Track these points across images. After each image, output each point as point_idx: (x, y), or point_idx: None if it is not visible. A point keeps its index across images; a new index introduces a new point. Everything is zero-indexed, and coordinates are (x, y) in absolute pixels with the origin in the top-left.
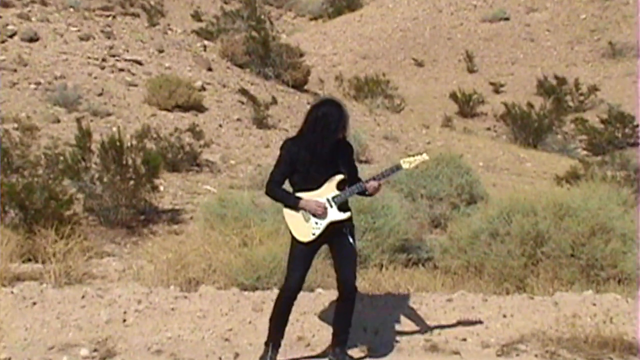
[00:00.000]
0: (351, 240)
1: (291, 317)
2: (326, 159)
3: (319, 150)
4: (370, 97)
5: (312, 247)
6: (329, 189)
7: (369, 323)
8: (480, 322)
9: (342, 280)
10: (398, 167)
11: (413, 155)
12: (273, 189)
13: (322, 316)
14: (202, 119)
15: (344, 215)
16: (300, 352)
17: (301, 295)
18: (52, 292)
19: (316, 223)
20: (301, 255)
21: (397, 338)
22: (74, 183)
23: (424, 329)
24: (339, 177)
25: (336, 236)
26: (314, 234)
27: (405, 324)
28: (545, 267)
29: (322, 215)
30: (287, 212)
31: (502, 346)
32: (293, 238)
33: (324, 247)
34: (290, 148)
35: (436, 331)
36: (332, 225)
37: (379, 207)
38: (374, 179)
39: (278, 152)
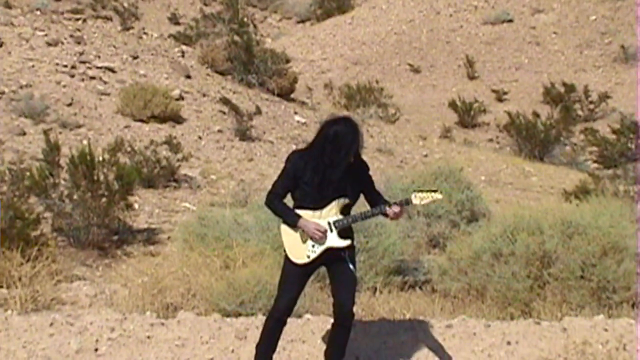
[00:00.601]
0: (351, 266)
1: (278, 345)
2: (334, 181)
3: (328, 175)
4: (362, 106)
5: (306, 269)
6: (331, 212)
7: (362, 351)
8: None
9: (338, 304)
10: (408, 202)
11: (427, 191)
12: (273, 202)
13: (311, 344)
14: (180, 130)
15: (343, 243)
16: None
17: (289, 321)
18: (17, 319)
19: (313, 246)
20: (294, 276)
21: None
22: (41, 201)
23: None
24: (344, 201)
25: (334, 261)
26: (308, 257)
27: (401, 353)
28: (553, 290)
29: (320, 240)
30: (284, 228)
31: None
32: (287, 258)
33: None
34: (296, 162)
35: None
36: (330, 250)
37: (372, 226)
38: (383, 208)
39: (265, 166)
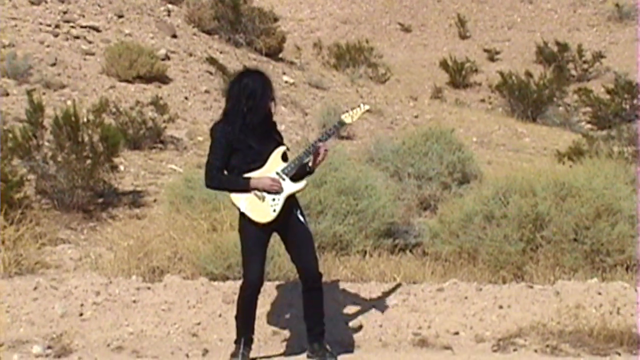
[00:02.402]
0: (302, 220)
1: (265, 310)
2: (261, 131)
3: (249, 121)
4: (352, 66)
5: (268, 230)
6: (274, 163)
7: (352, 315)
8: None
9: (303, 269)
10: (341, 123)
11: (353, 108)
12: (215, 178)
13: (299, 308)
14: (166, 91)
15: (300, 185)
16: (276, 348)
17: (275, 285)
18: (0, 283)
19: (273, 199)
20: (257, 243)
21: (383, 332)
22: (25, 163)
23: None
24: (282, 148)
25: (288, 223)
26: (274, 210)
27: (392, 317)
28: (546, 253)
29: (278, 189)
30: (235, 197)
31: (499, 340)
32: (244, 227)
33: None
34: (222, 129)
35: (426, 324)
36: (288, 200)
37: (362, 188)
38: (318, 140)
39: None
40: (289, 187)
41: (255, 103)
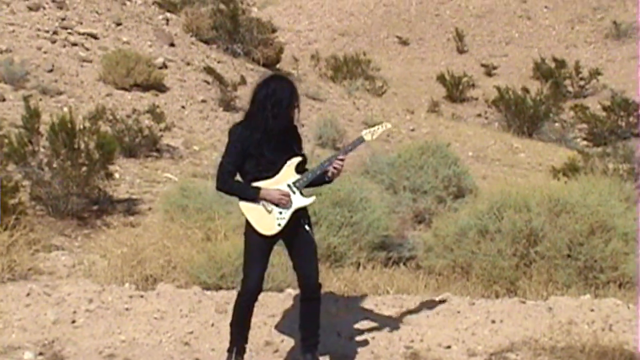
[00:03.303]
0: (309, 231)
1: (258, 320)
2: (280, 140)
3: (270, 128)
4: (349, 78)
5: (272, 240)
6: (287, 174)
7: (344, 327)
8: None
9: (304, 278)
10: (360, 140)
11: (375, 125)
12: (227, 182)
13: (292, 319)
14: (163, 99)
15: (308, 201)
16: (268, 358)
17: (269, 295)
18: None
19: (280, 213)
20: (260, 251)
21: (375, 344)
22: (20, 168)
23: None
24: (297, 159)
25: (294, 232)
26: (279, 225)
27: (384, 330)
28: (539, 269)
29: (286, 204)
30: (244, 205)
31: (490, 355)
32: (249, 234)
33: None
34: (241, 133)
35: (418, 337)
36: (295, 214)
37: (356, 200)
38: (335, 156)
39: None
40: (298, 201)
41: (280, 111)
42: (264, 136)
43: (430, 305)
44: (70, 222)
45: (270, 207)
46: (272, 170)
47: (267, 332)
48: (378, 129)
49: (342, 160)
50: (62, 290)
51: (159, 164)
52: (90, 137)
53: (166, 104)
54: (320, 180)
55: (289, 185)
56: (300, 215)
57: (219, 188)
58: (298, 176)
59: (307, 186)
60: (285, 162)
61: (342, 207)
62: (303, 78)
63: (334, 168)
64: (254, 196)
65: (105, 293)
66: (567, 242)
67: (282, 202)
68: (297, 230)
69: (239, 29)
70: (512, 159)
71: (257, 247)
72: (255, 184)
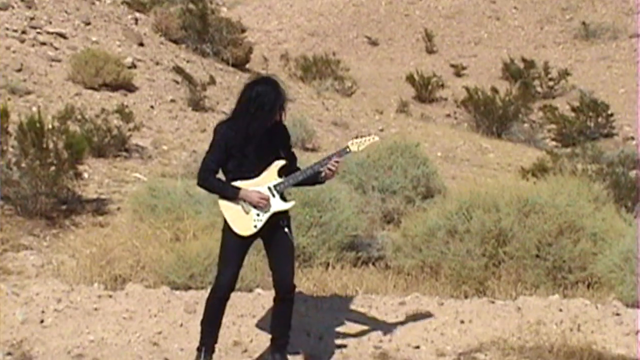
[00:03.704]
0: (288, 233)
1: (227, 320)
2: (263, 143)
3: (252, 133)
4: (318, 78)
5: (247, 241)
6: (269, 177)
7: (313, 327)
8: None
9: (279, 278)
10: (346, 150)
11: (362, 137)
12: (207, 179)
13: (261, 319)
14: (132, 99)
15: (287, 205)
16: (237, 358)
17: (238, 295)
18: None
19: (258, 215)
20: (236, 250)
21: (344, 344)
22: None
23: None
24: (280, 162)
25: (272, 231)
26: (255, 227)
27: (353, 329)
28: (508, 269)
29: (264, 207)
30: (223, 203)
31: (459, 355)
32: (226, 232)
33: (259, 244)
34: (225, 132)
35: (387, 337)
36: (274, 216)
37: (325, 200)
38: (319, 163)
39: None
40: (277, 204)
41: (262, 114)
42: (247, 138)
43: (399, 304)
44: (38, 221)
45: (249, 207)
46: (254, 172)
47: (235, 332)
48: (365, 140)
49: (337, 162)
50: (30, 290)
51: (127, 163)
52: (59, 136)
53: (135, 103)
54: (313, 180)
55: (269, 188)
56: (280, 217)
57: (199, 184)
58: (280, 179)
59: (298, 185)
60: (268, 164)
61: (311, 207)
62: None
63: (329, 169)
64: (233, 195)
65: (74, 293)
66: (535, 243)
67: (260, 204)
68: (276, 231)
69: (208, 29)
70: (481, 159)
71: (233, 245)
72: (236, 184)
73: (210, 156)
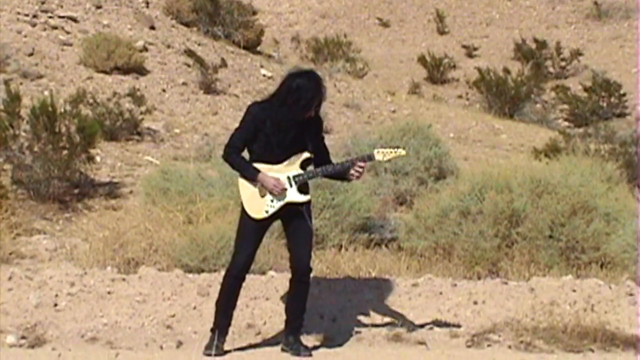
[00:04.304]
0: (308, 220)
1: (241, 303)
2: (292, 134)
3: (283, 123)
4: (330, 60)
5: (263, 224)
6: (291, 167)
7: (327, 309)
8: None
9: (295, 259)
10: (370, 158)
11: (390, 147)
12: (231, 155)
13: (275, 301)
14: (144, 82)
15: (302, 198)
16: (250, 340)
17: (252, 278)
18: None
19: (272, 201)
20: (251, 231)
21: (357, 326)
22: (1, 152)
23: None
24: (305, 155)
25: (291, 216)
26: (267, 212)
27: (366, 311)
28: (521, 250)
29: (279, 195)
30: (242, 182)
31: (473, 336)
32: (244, 211)
33: (278, 226)
34: (257, 114)
35: (400, 319)
36: (289, 205)
37: (338, 182)
38: (341, 165)
39: (230, 120)
40: (292, 195)
41: (297, 107)
42: (276, 126)
43: (412, 286)
44: (51, 205)
45: (265, 192)
46: (277, 158)
47: (249, 314)
48: (392, 152)
49: (362, 167)
50: (44, 274)
51: (140, 147)
52: (71, 120)
53: (147, 87)
54: (339, 176)
55: (288, 177)
56: (303, 207)
57: (223, 157)
58: (300, 171)
59: (328, 177)
60: (292, 154)
61: (324, 190)
62: (284, 60)
63: (355, 174)
64: (252, 176)
65: (87, 276)
66: (548, 223)
67: (274, 191)
68: (295, 216)
69: (219, 12)
70: (494, 140)
71: (249, 227)
72: (257, 166)
73: (238, 134)
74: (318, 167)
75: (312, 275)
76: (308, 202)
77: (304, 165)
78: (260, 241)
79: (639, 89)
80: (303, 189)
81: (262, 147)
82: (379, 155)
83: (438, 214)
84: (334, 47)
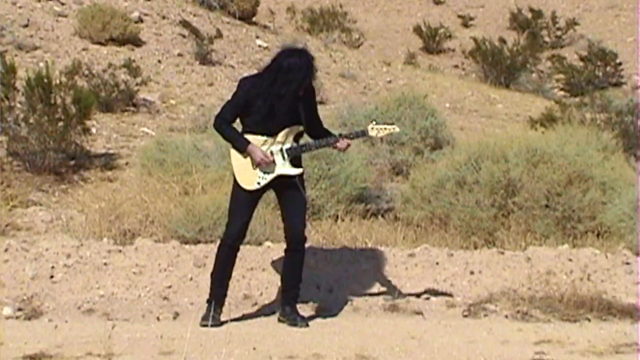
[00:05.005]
0: (301, 190)
1: (237, 274)
2: (284, 108)
3: (273, 100)
4: (325, 30)
5: (255, 194)
6: (284, 139)
7: (323, 280)
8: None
9: (289, 229)
10: (364, 133)
11: (384, 124)
12: (222, 125)
13: (271, 272)
14: (139, 54)
15: (294, 171)
16: (247, 310)
17: (248, 249)
18: None
19: (263, 173)
20: (244, 201)
21: (354, 297)
22: None
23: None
24: (298, 128)
25: (284, 187)
26: (258, 184)
27: (362, 282)
28: (517, 219)
29: (266, 168)
30: (234, 153)
31: (469, 306)
32: (236, 182)
33: (274, 197)
34: (248, 89)
35: (397, 289)
36: (280, 177)
37: (334, 153)
38: (335, 139)
39: (226, 91)
40: (283, 168)
41: (287, 87)
42: (267, 102)
43: (408, 256)
44: (47, 177)
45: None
46: (269, 131)
47: (245, 285)
48: (385, 128)
49: (349, 145)
50: (40, 245)
51: (135, 118)
52: (67, 92)
53: (142, 58)
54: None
55: (281, 150)
56: (296, 178)
57: (215, 127)
58: (294, 144)
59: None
60: (285, 127)
61: (320, 160)
62: (279, 31)
63: (342, 147)
64: (241, 148)
65: (83, 248)
66: (545, 193)
67: (261, 163)
68: (289, 183)
69: None
70: (490, 109)
71: (242, 197)
72: (250, 138)
73: (229, 107)
74: (312, 139)
75: (308, 245)
76: (301, 177)
77: (297, 138)
78: (253, 211)
79: (637, 58)
80: (295, 161)
81: (254, 120)
82: (373, 131)
83: (434, 184)
84: (329, 17)
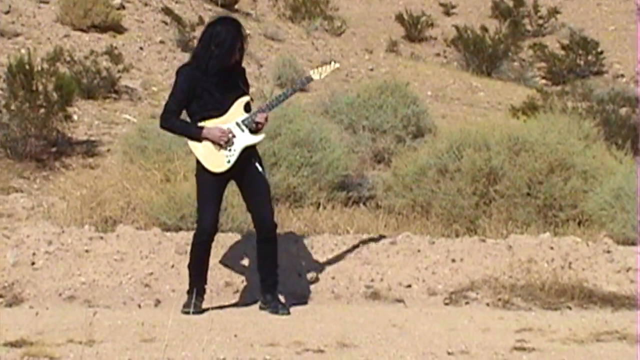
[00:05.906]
0: (261, 170)
1: (218, 261)
2: (226, 81)
3: (213, 71)
4: (307, 18)
5: (223, 178)
6: (235, 113)
7: (305, 268)
8: None
9: (258, 218)
10: (309, 79)
11: (324, 64)
12: (169, 120)
13: (252, 259)
14: (121, 40)
15: (257, 138)
16: (229, 298)
17: (229, 236)
18: None
19: (229, 150)
20: (212, 190)
21: (335, 284)
22: None
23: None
24: (245, 98)
25: (244, 167)
26: (229, 161)
27: (344, 269)
28: (499, 207)
29: (227, 143)
30: (193, 144)
31: (451, 293)
32: (200, 174)
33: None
34: (187, 73)
35: (378, 277)
36: (245, 151)
37: (316, 140)
38: (284, 95)
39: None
40: (247, 138)
41: (222, 52)
42: (208, 76)
43: (390, 244)
44: (28, 164)
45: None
46: (219, 109)
47: (227, 273)
48: (326, 68)
49: (266, 119)
50: (21, 232)
51: (117, 105)
52: (49, 78)
53: (124, 45)
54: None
55: (237, 124)
56: (251, 154)
57: (161, 126)
58: (246, 115)
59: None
60: (233, 102)
61: (302, 147)
62: (262, 18)
63: (258, 124)
64: (196, 135)
65: (64, 235)
66: (526, 181)
67: (222, 140)
68: (248, 169)
69: None
70: (471, 98)
71: (209, 186)
72: (205, 124)
73: (172, 98)
74: (262, 105)
75: (290, 233)
76: (258, 155)
77: (247, 108)
78: (221, 200)
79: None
80: (255, 130)
81: (202, 104)
82: (316, 74)
83: (416, 172)
84: (311, 5)
